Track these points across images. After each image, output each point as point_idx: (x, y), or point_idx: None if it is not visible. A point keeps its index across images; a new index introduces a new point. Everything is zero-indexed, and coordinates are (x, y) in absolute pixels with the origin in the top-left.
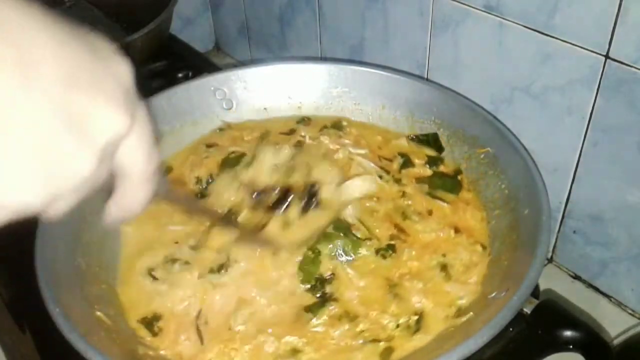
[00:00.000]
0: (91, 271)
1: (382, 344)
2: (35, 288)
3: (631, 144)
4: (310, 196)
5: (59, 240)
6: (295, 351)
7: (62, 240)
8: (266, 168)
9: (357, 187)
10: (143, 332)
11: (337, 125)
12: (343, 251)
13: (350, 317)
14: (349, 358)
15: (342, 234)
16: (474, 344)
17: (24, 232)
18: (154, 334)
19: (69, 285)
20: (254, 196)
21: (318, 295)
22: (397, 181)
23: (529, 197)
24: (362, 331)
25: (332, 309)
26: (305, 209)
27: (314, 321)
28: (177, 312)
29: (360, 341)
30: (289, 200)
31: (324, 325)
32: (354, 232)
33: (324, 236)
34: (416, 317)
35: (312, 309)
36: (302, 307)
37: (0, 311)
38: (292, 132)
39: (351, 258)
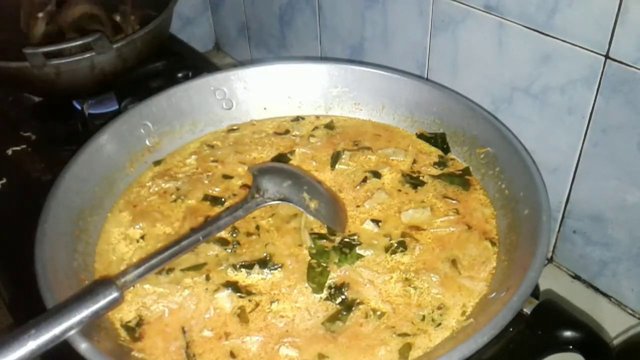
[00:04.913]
0: (90, 270)
1: (405, 339)
2: (35, 288)
3: (631, 144)
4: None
5: (59, 240)
6: (322, 356)
7: (62, 240)
8: None
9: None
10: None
11: (329, 125)
12: (341, 261)
13: (377, 314)
14: (371, 354)
15: (332, 250)
16: (474, 343)
17: (24, 232)
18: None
19: (69, 285)
20: None
21: (338, 302)
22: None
23: (529, 197)
24: (392, 326)
25: (359, 308)
26: None
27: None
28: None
29: (393, 335)
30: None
31: (353, 325)
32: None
33: (320, 254)
34: (440, 311)
35: (339, 317)
36: (326, 317)
37: (0, 311)
38: (287, 132)
39: (352, 266)
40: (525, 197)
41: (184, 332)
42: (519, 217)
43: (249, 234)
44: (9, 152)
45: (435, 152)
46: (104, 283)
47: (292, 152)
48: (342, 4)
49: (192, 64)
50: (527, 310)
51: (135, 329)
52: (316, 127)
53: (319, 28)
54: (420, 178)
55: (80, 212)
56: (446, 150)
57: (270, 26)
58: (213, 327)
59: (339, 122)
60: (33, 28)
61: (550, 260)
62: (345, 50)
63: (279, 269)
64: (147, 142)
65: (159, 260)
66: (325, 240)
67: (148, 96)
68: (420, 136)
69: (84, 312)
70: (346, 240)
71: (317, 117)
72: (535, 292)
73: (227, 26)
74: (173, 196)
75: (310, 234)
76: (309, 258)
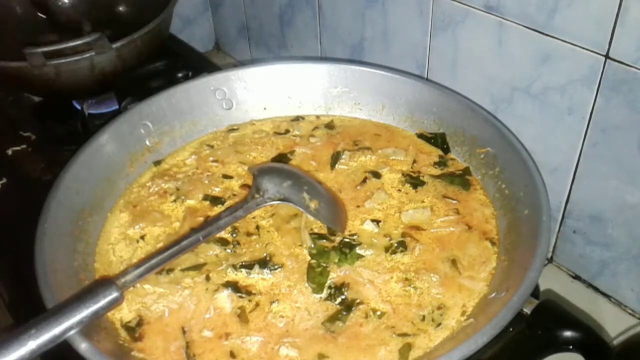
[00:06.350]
0: (90, 270)
1: (405, 339)
2: (35, 288)
3: (631, 144)
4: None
5: (59, 240)
6: (322, 356)
7: (62, 240)
8: None
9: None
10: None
11: (329, 125)
12: (341, 261)
13: (377, 314)
14: (371, 354)
15: (332, 250)
16: (474, 343)
17: (24, 232)
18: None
19: (69, 285)
20: None
21: (338, 302)
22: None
23: (529, 197)
24: (392, 326)
25: (359, 308)
26: None
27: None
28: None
29: (393, 335)
30: None
31: (353, 325)
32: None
33: (320, 254)
34: (440, 311)
35: (339, 317)
36: (326, 317)
37: (0, 311)
38: (287, 132)
39: (352, 266)
40: (525, 197)
41: (184, 332)
42: (519, 217)
43: (249, 234)
44: (9, 152)
45: (435, 152)
46: (104, 283)
47: (292, 152)
48: (342, 4)
49: (192, 64)
50: (527, 310)
51: (135, 329)
52: (316, 127)
53: (319, 28)
54: (421, 178)
55: (80, 212)
56: (446, 150)
57: (270, 26)
58: (213, 327)
59: (339, 122)
60: None
61: (550, 260)
62: (345, 50)
63: (279, 269)
64: (147, 142)
65: (159, 260)
66: (325, 240)
67: (148, 96)
68: (420, 136)
69: (84, 312)
70: (346, 240)
71: (317, 117)
72: (535, 292)
73: (227, 26)
74: (173, 196)
75: (310, 234)
76: (309, 258)
